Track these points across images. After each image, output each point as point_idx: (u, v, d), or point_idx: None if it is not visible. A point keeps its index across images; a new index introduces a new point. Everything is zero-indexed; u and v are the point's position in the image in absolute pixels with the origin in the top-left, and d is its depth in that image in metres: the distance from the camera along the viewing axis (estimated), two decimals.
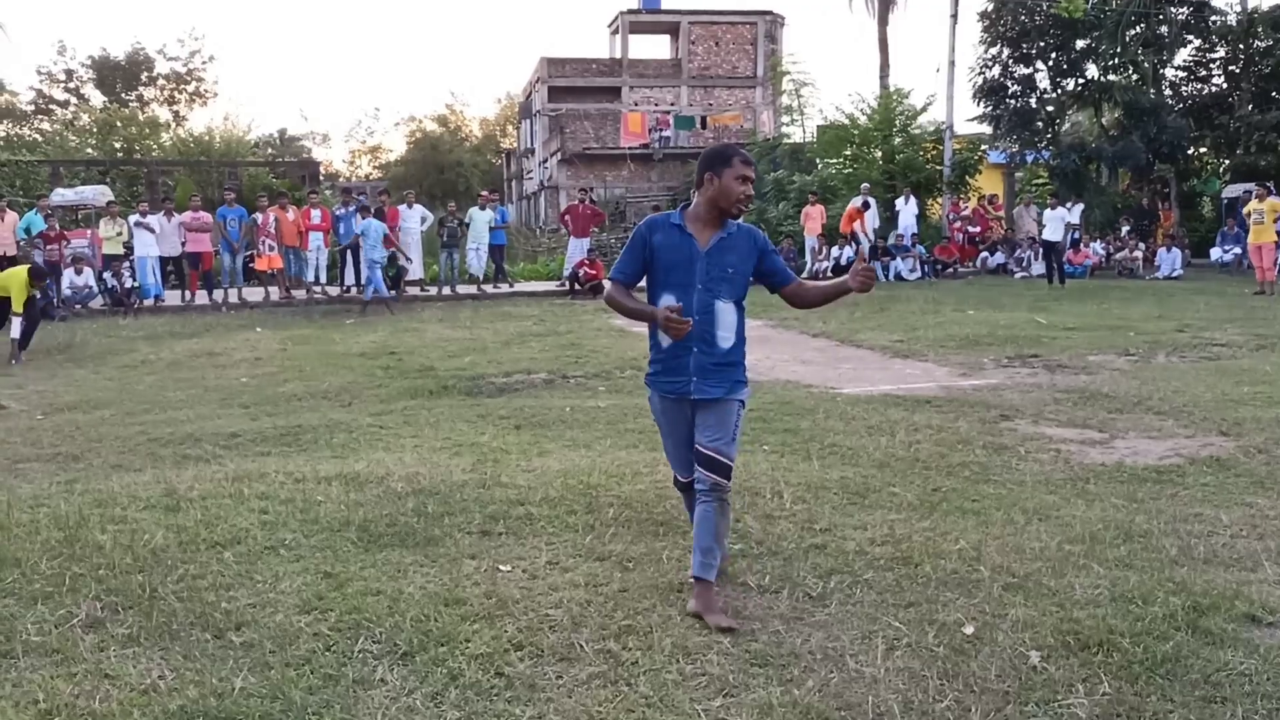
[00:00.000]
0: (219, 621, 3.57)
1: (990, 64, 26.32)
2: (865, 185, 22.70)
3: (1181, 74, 27.34)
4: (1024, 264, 22.32)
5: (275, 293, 19.01)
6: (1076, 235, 23.24)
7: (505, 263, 21.74)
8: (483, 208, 20.33)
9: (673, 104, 42.71)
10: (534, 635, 3.45)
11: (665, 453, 4.09)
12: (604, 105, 42.76)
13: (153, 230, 18.13)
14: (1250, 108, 25.13)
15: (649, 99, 43.03)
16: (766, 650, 3.36)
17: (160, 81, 53.06)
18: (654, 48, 47.10)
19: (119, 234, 18.43)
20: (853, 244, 21.92)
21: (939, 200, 25.52)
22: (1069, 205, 23.75)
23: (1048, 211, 20.13)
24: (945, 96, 25.26)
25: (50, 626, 3.53)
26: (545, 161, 44.26)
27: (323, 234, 19.27)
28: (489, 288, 20.25)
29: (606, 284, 3.78)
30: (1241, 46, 25.75)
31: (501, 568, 4.10)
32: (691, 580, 3.74)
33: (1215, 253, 22.43)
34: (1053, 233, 19.56)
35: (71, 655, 3.32)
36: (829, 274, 21.60)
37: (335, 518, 4.71)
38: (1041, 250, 20.68)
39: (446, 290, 19.74)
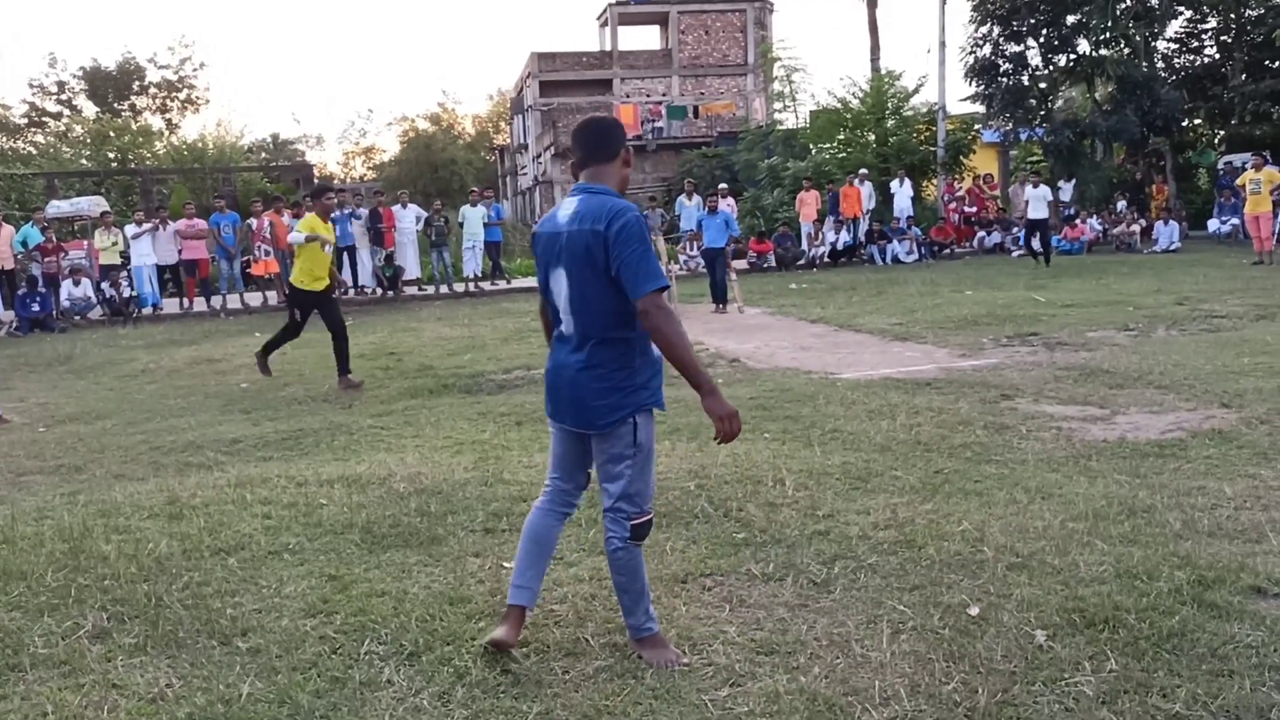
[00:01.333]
0: (225, 628, 3.57)
1: (981, 43, 26.23)
2: (863, 170, 22.69)
3: (1173, 46, 27.28)
4: (1020, 242, 22.27)
5: (273, 297, 19.00)
6: (1071, 211, 23.20)
7: (502, 259, 21.71)
8: (474, 204, 20.30)
9: (664, 94, 42.62)
10: (539, 631, 3.45)
11: (652, 485, 3.29)
12: (596, 98, 42.64)
13: (155, 231, 18.10)
14: (1244, 77, 25.06)
15: (640, 90, 42.94)
16: (772, 638, 3.36)
17: (152, 90, 53.06)
18: (644, 39, 47.02)
19: (115, 244, 18.41)
20: (848, 228, 21.91)
21: (934, 181, 25.46)
22: (1060, 183, 23.69)
23: (1029, 189, 19.77)
24: (937, 77, 25.25)
25: (57, 638, 3.54)
26: (539, 157, 44.19)
27: None
28: (486, 285, 20.23)
29: (663, 301, 3.04)
30: (1233, 16, 25.67)
31: (505, 565, 4.09)
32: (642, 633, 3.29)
33: (1213, 224, 22.38)
34: (1036, 211, 19.17)
35: (79, 666, 3.33)
36: (825, 259, 21.59)
37: (338, 520, 4.71)
38: (1026, 230, 20.16)
39: (444, 289, 19.72)
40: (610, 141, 3.26)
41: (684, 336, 3.03)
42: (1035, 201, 19.19)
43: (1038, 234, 19.06)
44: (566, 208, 3.20)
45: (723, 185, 22.03)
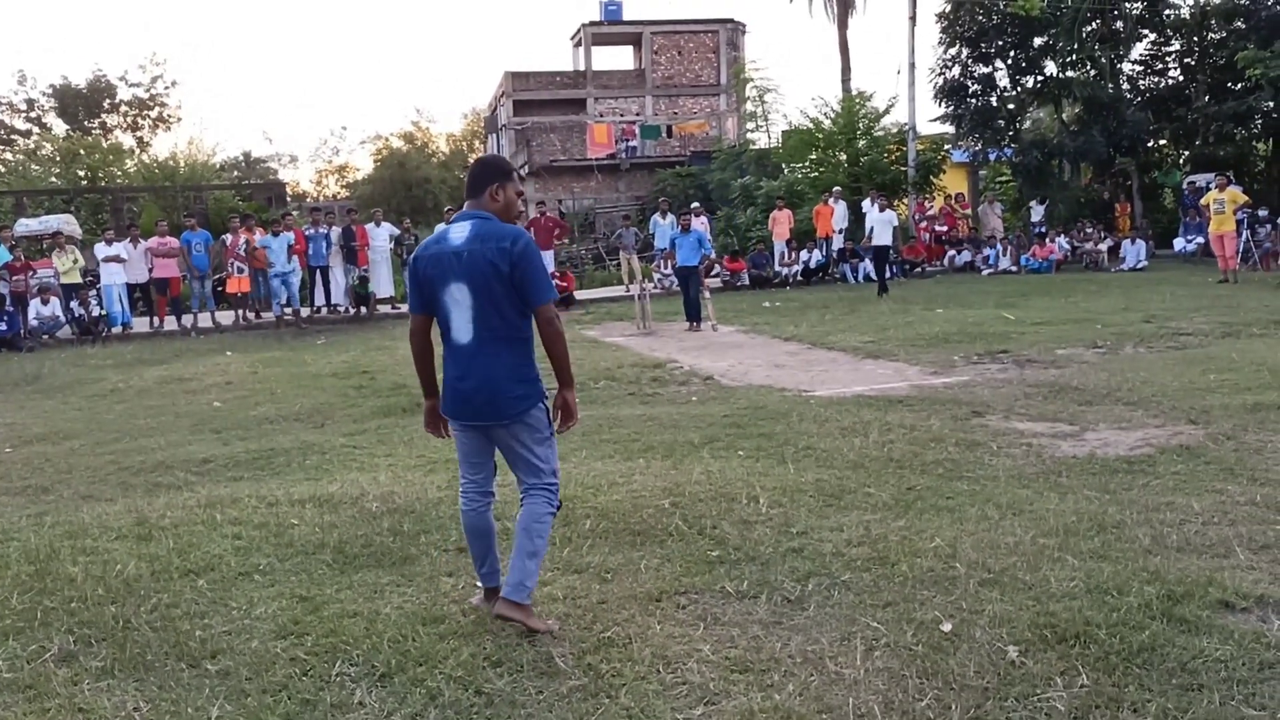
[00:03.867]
0: (194, 650, 3.53)
1: (950, 64, 26.56)
2: (837, 189, 22.86)
3: (1138, 68, 27.72)
4: (990, 261, 22.52)
5: (248, 316, 18.88)
6: (1041, 230, 23.49)
7: None
8: (449, 223, 20.21)
9: (638, 114, 42.75)
10: (513, 651, 3.43)
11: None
12: (569, 117, 42.76)
13: (122, 259, 17.92)
14: (1207, 99, 25.49)
15: (614, 110, 43.05)
16: (746, 656, 3.36)
17: (123, 108, 52.59)
18: (617, 59, 47.17)
19: (76, 262, 18.20)
20: (820, 247, 22.04)
21: (904, 201, 25.70)
22: (1032, 204, 23.88)
23: (875, 213, 18.41)
24: (907, 98, 25.50)
25: (22, 662, 3.48)
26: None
27: (296, 255, 19.09)
28: None
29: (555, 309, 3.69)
30: (1196, 39, 26.14)
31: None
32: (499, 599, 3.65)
33: (1179, 243, 22.70)
34: (882, 236, 17.90)
35: (45, 690, 3.28)
36: (799, 278, 21.71)
37: (310, 540, 4.67)
38: (874, 258, 18.68)
39: None
40: (480, 181, 3.76)
41: (565, 339, 3.66)
42: (880, 226, 17.78)
43: (881, 260, 18.02)
44: (458, 231, 3.67)
45: (695, 204, 22.10)
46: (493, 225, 3.64)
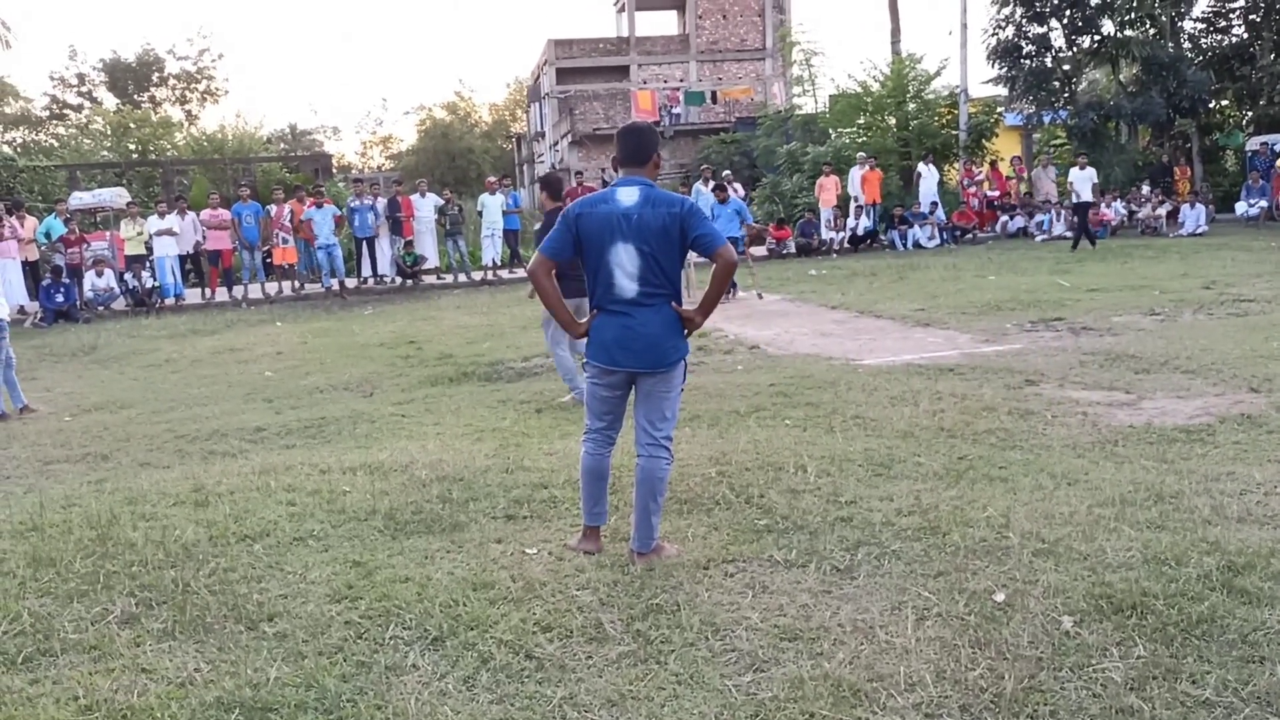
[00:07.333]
0: (251, 613, 3.60)
1: (1003, 24, 25.89)
2: (861, 155, 22.50)
3: (1200, 26, 26.85)
4: (1044, 227, 22.07)
5: (295, 286, 19.12)
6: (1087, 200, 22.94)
7: (520, 247, 21.68)
8: (493, 193, 20.24)
9: (682, 80, 42.42)
10: (562, 616, 3.46)
11: None
12: (613, 85, 42.52)
13: (175, 233, 18.19)
14: (1272, 57, 24.66)
15: (658, 76, 42.76)
16: (795, 624, 3.35)
17: (171, 81, 53.38)
18: (661, 24, 46.77)
19: (140, 234, 18.52)
20: (867, 213, 21.72)
21: (955, 166, 25.23)
22: (1074, 170, 23.36)
23: (1074, 171, 19.21)
24: (959, 59, 25.01)
25: (87, 624, 3.57)
26: (556, 144, 44.14)
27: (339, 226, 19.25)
28: (505, 273, 20.22)
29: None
30: None
31: (528, 551, 4.11)
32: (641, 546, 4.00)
33: (1240, 207, 22.07)
34: (1083, 193, 18.80)
35: (108, 651, 3.36)
36: (845, 244, 21.46)
37: (362, 507, 4.73)
38: (1075, 213, 19.61)
39: (462, 277, 19.74)
40: (646, 149, 4.01)
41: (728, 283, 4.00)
42: (1081, 183, 18.78)
43: (1083, 216, 18.77)
44: (627, 195, 3.87)
45: (726, 173, 21.75)
46: (659, 191, 3.92)
